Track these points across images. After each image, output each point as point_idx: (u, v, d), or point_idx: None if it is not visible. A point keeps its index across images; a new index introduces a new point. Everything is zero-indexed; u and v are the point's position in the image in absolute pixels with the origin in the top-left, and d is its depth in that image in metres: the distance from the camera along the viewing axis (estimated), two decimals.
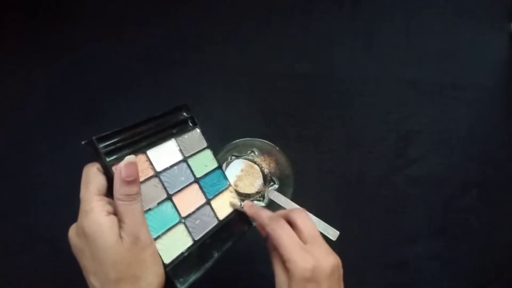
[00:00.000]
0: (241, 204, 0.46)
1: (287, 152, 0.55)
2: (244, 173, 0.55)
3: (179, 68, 0.62)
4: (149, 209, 0.38)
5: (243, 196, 0.54)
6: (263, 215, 0.41)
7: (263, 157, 0.56)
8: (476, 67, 0.64)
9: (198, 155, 0.45)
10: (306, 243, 0.38)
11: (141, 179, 0.38)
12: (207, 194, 0.44)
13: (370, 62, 0.63)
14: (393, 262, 0.59)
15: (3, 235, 0.57)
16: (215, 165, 0.46)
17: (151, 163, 0.40)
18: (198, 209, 0.42)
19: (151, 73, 0.62)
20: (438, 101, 0.63)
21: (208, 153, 0.46)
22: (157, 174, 0.40)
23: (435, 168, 0.61)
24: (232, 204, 0.46)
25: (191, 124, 0.45)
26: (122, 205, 0.34)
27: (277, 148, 0.55)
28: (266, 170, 0.56)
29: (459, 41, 0.64)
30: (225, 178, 0.47)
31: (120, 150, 0.38)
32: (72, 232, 0.35)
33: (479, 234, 0.60)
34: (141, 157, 0.39)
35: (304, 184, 0.55)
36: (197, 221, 0.42)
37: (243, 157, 0.56)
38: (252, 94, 0.62)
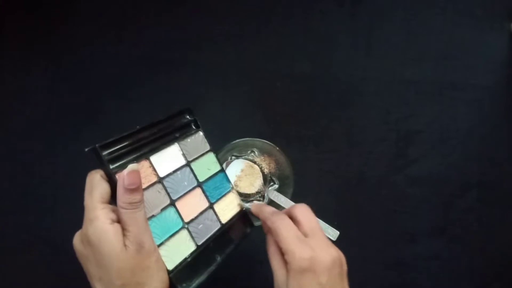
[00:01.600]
0: (243, 207, 0.46)
1: (287, 152, 0.55)
2: (244, 173, 0.55)
3: (179, 68, 0.62)
4: (153, 216, 0.38)
5: (243, 196, 0.54)
6: (266, 210, 0.41)
7: (263, 157, 0.56)
8: (476, 67, 0.64)
9: (201, 159, 0.44)
10: (306, 236, 0.38)
11: (145, 186, 0.38)
12: (210, 198, 0.43)
13: (370, 62, 0.63)
14: (393, 262, 0.59)
15: (3, 235, 0.57)
16: (218, 168, 0.46)
17: (154, 169, 0.40)
18: (201, 213, 0.42)
19: (151, 73, 0.62)
20: (438, 101, 0.63)
21: (211, 156, 0.46)
22: (160, 180, 0.40)
23: (435, 168, 0.61)
24: (240, 205, 0.46)
25: (194, 127, 0.45)
26: (125, 213, 0.34)
27: (277, 148, 0.55)
28: (266, 170, 0.56)
29: (459, 41, 0.64)
30: (228, 181, 0.46)
31: (124, 157, 0.38)
32: (77, 239, 0.35)
33: (479, 234, 0.60)
34: (144, 163, 0.39)
35: (304, 184, 0.55)
36: (200, 226, 0.41)
37: (243, 157, 0.56)
38: (252, 94, 0.62)
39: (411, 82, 0.63)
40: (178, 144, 0.43)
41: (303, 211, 0.40)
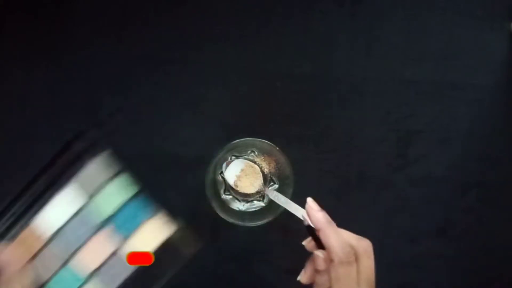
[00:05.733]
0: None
1: (287, 152, 0.55)
2: (244, 173, 0.55)
3: (179, 68, 0.62)
4: (46, 282, 0.35)
5: (243, 196, 0.54)
6: (335, 245, 0.38)
7: (263, 157, 0.56)
8: (476, 67, 0.64)
9: (105, 189, 0.38)
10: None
11: (32, 254, 0.35)
12: (122, 233, 0.38)
13: (370, 62, 0.63)
14: (393, 262, 0.59)
15: None
16: (133, 191, 0.39)
17: (39, 233, 0.36)
18: (110, 257, 0.37)
19: (151, 73, 0.62)
20: (438, 101, 0.63)
21: (120, 180, 0.39)
22: (48, 242, 0.36)
23: (435, 168, 0.61)
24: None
25: (91, 152, 0.39)
26: None
27: (277, 148, 0.55)
28: (266, 170, 0.56)
29: (459, 41, 0.64)
30: (150, 204, 0.39)
31: (6, 232, 0.35)
32: None
33: (479, 234, 0.60)
34: (26, 232, 0.36)
35: (304, 184, 0.55)
36: (112, 270, 0.37)
37: (243, 157, 0.56)
38: (252, 94, 0.62)
39: (411, 82, 0.63)
40: (68, 185, 0.38)
41: (369, 260, 0.38)
